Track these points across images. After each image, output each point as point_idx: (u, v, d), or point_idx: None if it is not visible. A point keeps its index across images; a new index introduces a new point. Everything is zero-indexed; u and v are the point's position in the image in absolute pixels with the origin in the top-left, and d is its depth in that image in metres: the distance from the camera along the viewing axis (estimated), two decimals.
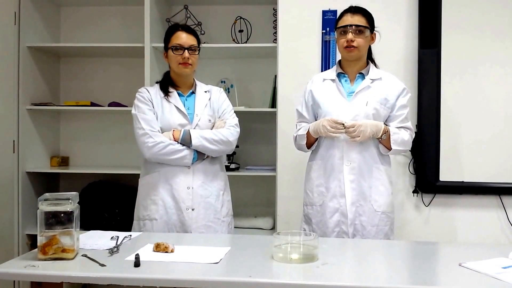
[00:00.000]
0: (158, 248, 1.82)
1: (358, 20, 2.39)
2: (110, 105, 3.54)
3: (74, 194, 1.78)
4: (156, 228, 2.41)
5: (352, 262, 1.89)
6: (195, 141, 2.38)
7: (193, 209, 2.41)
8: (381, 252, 2.00)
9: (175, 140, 2.39)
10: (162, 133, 2.40)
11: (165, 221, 2.41)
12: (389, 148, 2.40)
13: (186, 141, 2.39)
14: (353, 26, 2.37)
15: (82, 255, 1.77)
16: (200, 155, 2.43)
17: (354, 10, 2.43)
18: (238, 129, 2.55)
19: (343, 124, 2.32)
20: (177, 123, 2.44)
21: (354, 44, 2.37)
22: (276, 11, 3.25)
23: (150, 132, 2.37)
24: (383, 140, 2.39)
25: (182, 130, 2.40)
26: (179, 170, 2.42)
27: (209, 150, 2.43)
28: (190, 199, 2.41)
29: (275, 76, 3.32)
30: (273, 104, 3.40)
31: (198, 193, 2.43)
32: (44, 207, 1.72)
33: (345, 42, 2.38)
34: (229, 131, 2.48)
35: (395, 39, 3.11)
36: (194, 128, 2.44)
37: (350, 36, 2.36)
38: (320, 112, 2.46)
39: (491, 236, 3.06)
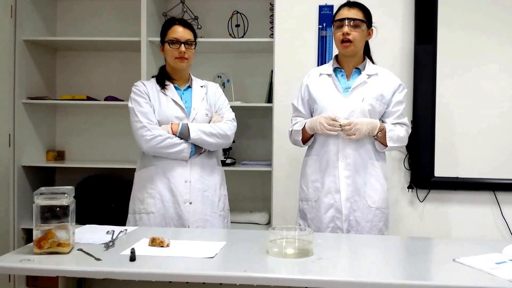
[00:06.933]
0: (153, 242, 1.82)
1: (355, 14, 2.39)
2: (106, 99, 3.54)
3: (69, 188, 1.78)
4: (153, 222, 2.41)
5: (347, 257, 1.90)
6: (194, 134, 2.38)
7: (190, 203, 2.42)
8: (376, 247, 2.00)
9: (173, 134, 2.39)
10: (160, 126, 2.41)
11: (162, 214, 2.41)
12: (385, 145, 2.41)
13: (184, 135, 2.39)
14: (350, 20, 2.37)
15: (77, 249, 1.77)
16: (197, 149, 2.44)
17: (351, 4, 2.44)
18: (235, 123, 2.55)
19: (340, 123, 2.33)
20: (174, 115, 2.44)
21: (350, 37, 2.36)
22: (273, 6, 3.24)
23: (148, 125, 2.37)
24: (379, 137, 2.40)
25: (180, 124, 2.40)
26: (177, 163, 2.42)
27: (207, 143, 2.43)
28: (187, 192, 2.42)
29: (272, 71, 3.31)
30: (269, 99, 3.40)
31: (196, 186, 2.44)
32: (40, 201, 1.71)
33: (341, 36, 2.38)
34: (227, 125, 2.49)
35: (391, 34, 3.11)
36: (191, 122, 2.44)
37: (346, 29, 2.36)
38: (316, 107, 2.47)
39: (485, 231, 3.07)
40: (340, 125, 2.32)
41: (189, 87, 2.57)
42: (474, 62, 3.07)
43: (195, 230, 2.35)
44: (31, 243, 1.74)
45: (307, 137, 2.50)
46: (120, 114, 3.66)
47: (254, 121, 3.66)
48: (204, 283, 1.71)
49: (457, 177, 3.07)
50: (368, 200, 2.40)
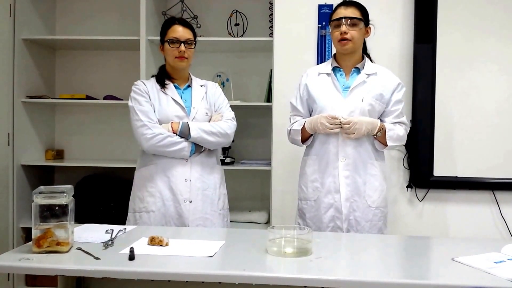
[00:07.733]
0: (152, 241, 1.82)
1: (352, 12, 2.39)
2: (105, 98, 3.54)
3: (69, 187, 1.77)
4: (153, 220, 2.41)
5: (346, 256, 1.90)
6: (194, 133, 2.38)
7: (190, 201, 2.42)
8: (375, 247, 2.01)
9: (173, 132, 2.39)
10: (160, 125, 2.41)
11: (162, 213, 2.42)
12: (385, 145, 2.41)
13: (184, 133, 2.39)
14: (347, 19, 2.37)
15: (76, 248, 1.76)
16: (197, 148, 2.44)
17: (347, 3, 2.44)
18: (235, 122, 2.56)
19: (340, 120, 2.33)
20: (174, 114, 2.44)
21: (348, 36, 2.37)
22: (272, 5, 3.24)
23: (148, 123, 2.37)
24: (379, 137, 2.40)
25: (181, 122, 2.41)
26: (177, 162, 2.42)
27: (208, 142, 2.43)
28: (187, 191, 2.42)
29: (271, 70, 3.31)
30: (269, 98, 3.39)
31: (196, 185, 2.44)
32: (39, 200, 1.71)
33: (339, 35, 2.38)
34: (226, 124, 2.49)
35: (391, 33, 3.11)
36: (191, 121, 2.44)
37: (343, 28, 2.36)
38: (316, 107, 2.46)
39: (484, 231, 3.07)
40: (340, 122, 2.33)
41: (189, 86, 2.57)
42: (473, 62, 3.07)
43: (194, 229, 2.35)
44: (30, 242, 1.74)
45: (306, 137, 2.50)
46: (119, 113, 3.66)
47: (253, 120, 3.65)
48: (203, 282, 1.71)
49: (456, 177, 3.07)
50: (368, 199, 2.40)
